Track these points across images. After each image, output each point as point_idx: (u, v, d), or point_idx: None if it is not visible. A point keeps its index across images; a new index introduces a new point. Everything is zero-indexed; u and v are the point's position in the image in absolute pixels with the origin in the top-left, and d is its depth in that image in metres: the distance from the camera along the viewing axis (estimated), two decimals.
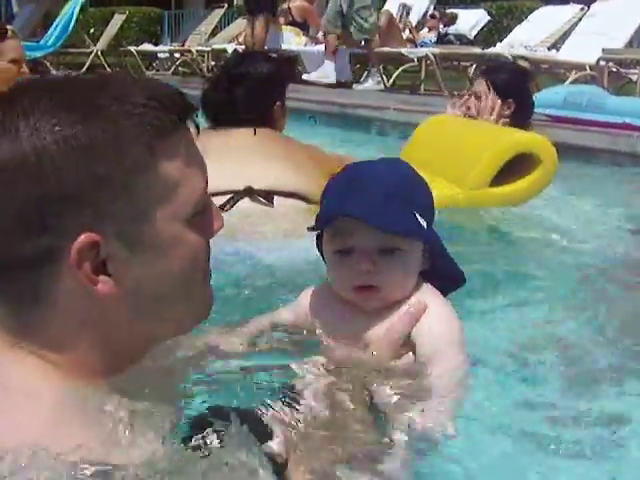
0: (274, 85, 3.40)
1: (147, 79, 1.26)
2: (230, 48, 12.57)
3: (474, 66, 10.87)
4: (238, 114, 3.28)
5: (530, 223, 3.60)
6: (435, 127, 4.24)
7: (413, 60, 10.62)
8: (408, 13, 13.10)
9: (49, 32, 15.02)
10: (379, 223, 1.53)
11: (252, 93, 3.28)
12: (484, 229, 3.59)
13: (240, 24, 14.09)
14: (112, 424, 1.15)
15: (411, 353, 1.59)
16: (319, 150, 3.65)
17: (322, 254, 1.70)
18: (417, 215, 1.57)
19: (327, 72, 11.00)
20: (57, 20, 15.15)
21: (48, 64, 14.68)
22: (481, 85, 4.36)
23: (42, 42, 14.85)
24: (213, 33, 15.34)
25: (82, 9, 15.36)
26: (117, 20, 15.95)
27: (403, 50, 10.73)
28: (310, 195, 3.22)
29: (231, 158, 3.22)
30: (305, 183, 3.27)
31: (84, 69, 14.55)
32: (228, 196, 3.12)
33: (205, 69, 13.89)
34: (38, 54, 14.61)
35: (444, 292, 1.69)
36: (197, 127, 1.26)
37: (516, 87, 4.34)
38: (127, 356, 1.27)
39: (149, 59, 15.72)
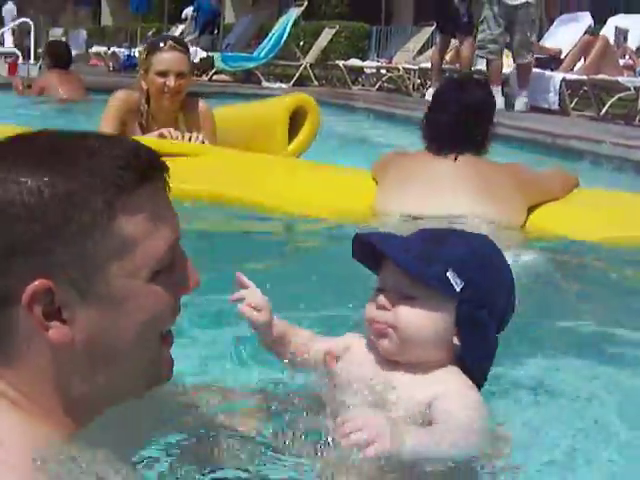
0: (485, 112, 3.56)
1: (118, 137, 1.31)
2: None
3: None
4: (448, 139, 3.50)
5: None
6: None
7: (629, 89, 10.12)
8: (625, 38, 12.52)
9: (262, 44, 15.55)
10: (398, 259, 1.52)
11: (462, 120, 3.47)
12: None
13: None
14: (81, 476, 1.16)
15: None
16: (526, 171, 3.70)
17: None
18: (450, 272, 1.52)
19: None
20: (271, 33, 15.66)
21: (259, 75, 15.19)
22: None
23: (255, 54, 15.41)
24: (420, 51, 15.32)
25: (295, 23, 15.77)
26: (327, 34, 16.25)
27: (620, 79, 10.23)
28: (500, 222, 3.42)
29: (427, 185, 3.45)
30: (496, 212, 3.41)
31: (292, 81, 14.94)
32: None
33: (411, 87, 13.87)
34: (251, 65, 15.18)
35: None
36: (167, 184, 1.28)
37: None
38: (89, 409, 1.29)
39: (355, 74, 15.89)
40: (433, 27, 15.57)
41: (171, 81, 4.24)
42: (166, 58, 4.27)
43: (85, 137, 1.27)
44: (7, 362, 1.23)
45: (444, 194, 3.42)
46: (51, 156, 1.21)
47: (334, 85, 15.65)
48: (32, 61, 14.51)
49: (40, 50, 14.76)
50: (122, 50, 19.09)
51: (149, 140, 4.20)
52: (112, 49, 19.71)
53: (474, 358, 1.57)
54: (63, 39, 23.58)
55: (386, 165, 3.75)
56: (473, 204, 3.40)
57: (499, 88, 10.23)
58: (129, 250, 1.21)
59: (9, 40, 19.66)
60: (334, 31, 16.37)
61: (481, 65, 11.38)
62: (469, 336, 1.55)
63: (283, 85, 14.57)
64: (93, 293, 1.20)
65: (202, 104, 4.53)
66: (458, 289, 1.51)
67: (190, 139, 4.24)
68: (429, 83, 12.66)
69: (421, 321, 1.53)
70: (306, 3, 15.90)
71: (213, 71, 15.72)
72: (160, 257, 1.24)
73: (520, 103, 10.36)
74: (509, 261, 1.65)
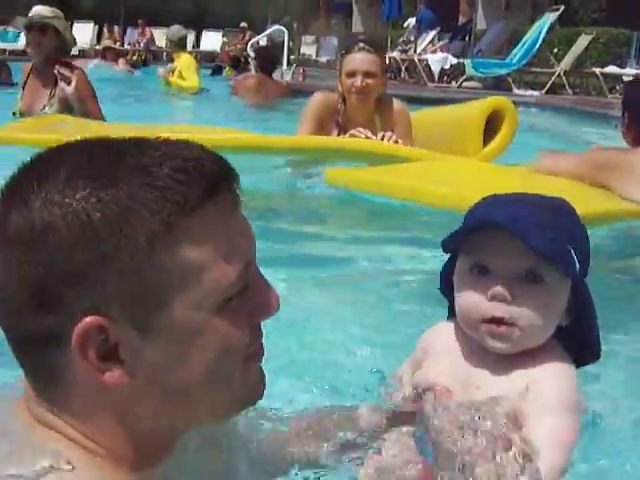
0: None
1: (184, 145, 1.09)
2: None
3: None
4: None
5: None
6: None
7: None
8: None
9: (515, 50, 15.21)
10: (530, 240, 1.32)
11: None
12: None
13: None
14: None
15: None
16: None
17: (444, 284, 1.53)
18: (572, 250, 1.37)
19: None
20: (524, 38, 15.28)
21: (511, 81, 14.84)
22: None
23: (507, 60, 15.09)
24: None
25: (550, 28, 15.26)
26: (583, 40, 15.58)
27: None
28: None
29: None
30: None
31: (545, 89, 14.45)
32: None
33: None
34: (503, 71, 14.88)
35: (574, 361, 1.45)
36: (237, 196, 1.10)
37: None
38: (160, 445, 1.17)
39: (612, 82, 15.12)
40: None
41: (357, 81, 4.42)
42: (355, 59, 4.47)
43: (142, 146, 1.09)
44: (67, 406, 1.11)
45: None
46: (103, 174, 1.04)
47: (589, 93, 14.97)
48: (285, 67, 15.17)
49: (292, 57, 15.37)
50: None
51: (353, 141, 4.36)
52: None
53: (589, 328, 1.45)
54: (314, 47, 24.41)
55: (613, 163, 3.84)
56: None
57: None
58: (193, 279, 1.05)
59: None
60: (591, 37, 15.68)
61: None
62: (583, 312, 1.43)
63: (535, 93, 14.12)
64: (153, 328, 1.06)
65: (396, 104, 4.68)
66: (577, 267, 1.38)
67: (383, 138, 4.37)
68: None
69: (545, 307, 1.37)
70: (562, 8, 15.35)
71: (463, 78, 15.55)
72: (229, 285, 1.08)
73: None
74: None
